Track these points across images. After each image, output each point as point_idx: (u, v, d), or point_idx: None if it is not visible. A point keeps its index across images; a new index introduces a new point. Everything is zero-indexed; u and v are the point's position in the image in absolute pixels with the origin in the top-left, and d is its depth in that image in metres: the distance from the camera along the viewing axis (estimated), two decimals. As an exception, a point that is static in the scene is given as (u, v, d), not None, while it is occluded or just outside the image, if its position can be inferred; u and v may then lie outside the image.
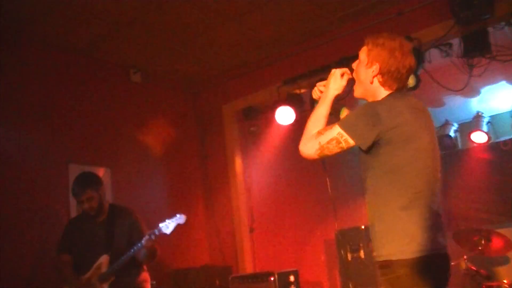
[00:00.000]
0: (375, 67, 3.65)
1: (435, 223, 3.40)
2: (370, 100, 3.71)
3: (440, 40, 6.95)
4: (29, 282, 6.49)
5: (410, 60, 3.63)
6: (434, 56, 7.08)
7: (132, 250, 5.51)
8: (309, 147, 3.61)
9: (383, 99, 3.59)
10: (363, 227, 9.29)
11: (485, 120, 9.05)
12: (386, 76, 3.62)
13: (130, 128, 8.26)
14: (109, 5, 6.78)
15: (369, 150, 3.47)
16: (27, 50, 7.27)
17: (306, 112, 8.08)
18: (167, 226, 5.56)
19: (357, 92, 3.84)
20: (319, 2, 7.22)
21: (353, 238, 9.01)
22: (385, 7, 7.35)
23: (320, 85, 4.03)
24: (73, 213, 7.08)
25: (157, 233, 5.50)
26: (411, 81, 6.78)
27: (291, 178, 9.82)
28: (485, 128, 9.00)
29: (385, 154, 3.43)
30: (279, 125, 8.40)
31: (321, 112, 3.77)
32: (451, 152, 9.33)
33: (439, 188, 3.54)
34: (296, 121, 8.11)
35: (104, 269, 5.59)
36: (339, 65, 7.22)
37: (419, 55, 6.94)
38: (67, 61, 7.71)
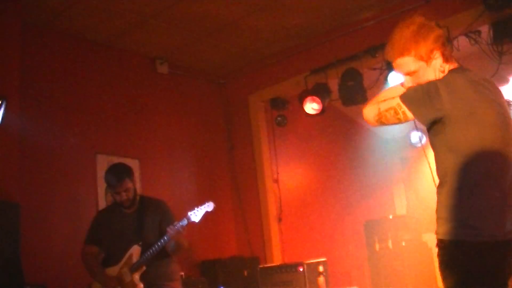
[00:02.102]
0: (435, 54, 3.44)
1: (501, 206, 3.21)
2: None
3: (469, 27, 6.87)
4: (58, 273, 6.52)
5: (434, 28, 3.48)
6: (462, 44, 7.00)
7: (162, 241, 5.51)
8: (369, 110, 3.54)
9: (444, 76, 3.41)
10: (391, 217, 9.27)
11: (514, 108, 8.95)
12: (446, 53, 3.46)
13: (158, 119, 8.27)
14: (136, -4, 6.80)
15: (431, 128, 3.36)
16: (55, 42, 7.32)
17: (334, 102, 8.06)
18: (195, 214, 5.59)
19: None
20: (346, -9, 7.18)
21: (381, 228, 9.00)
22: (412, -5, 7.28)
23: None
24: (101, 203, 7.15)
25: (186, 222, 5.51)
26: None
27: (319, 168, 9.82)
28: (514, 116, 8.90)
29: (447, 133, 3.27)
30: (306, 115, 8.36)
31: (393, 90, 3.63)
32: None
33: None
34: (323, 110, 8.08)
35: (135, 259, 5.59)
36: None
37: (447, 43, 6.88)
38: (94, 53, 7.75)
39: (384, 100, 3.48)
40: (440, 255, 3.30)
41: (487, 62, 6.86)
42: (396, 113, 3.38)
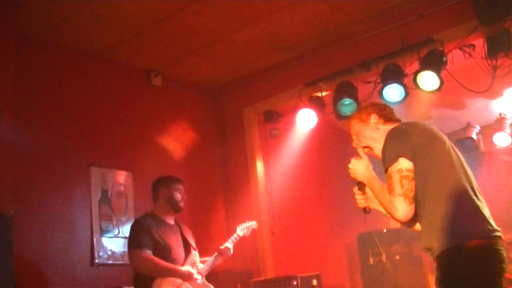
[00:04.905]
0: (373, 116, 4.02)
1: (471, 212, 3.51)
2: (379, 152, 3.89)
3: (463, 41, 6.89)
4: (52, 284, 6.50)
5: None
6: (456, 57, 7.03)
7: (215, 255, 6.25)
8: (401, 209, 3.56)
9: (393, 128, 3.83)
10: (385, 230, 9.25)
11: (508, 122, 8.98)
12: (383, 115, 4.04)
13: (151, 131, 8.26)
14: (130, 9, 6.82)
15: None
16: (49, 54, 7.32)
17: (328, 115, 8.06)
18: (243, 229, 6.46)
19: (378, 151, 3.92)
20: (340, 4, 7.20)
21: (375, 242, 8.96)
22: (406, 9, 7.30)
23: (358, 194, 4.10)
24: (95, 215, 7.15)
25: (237, 239, 6.40)
26: (434, 84, 6.77)
27: (312, 181, 9.80)
28: (508, 130, 8.93)
29: (419, 160, 3.58)
30: (300, 128, 8.37)
31: (377, 187, 3.80)
32: (473, 154, 9.27)
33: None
34: (317, 124, 8.08)
35: (200, 265, 6.13)
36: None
37: (441, 57, 6.91)
38: (88, 65, 7.74)
39: (391, 191, 3.60)
40: (440, 268, 3.47)
41: (481, 76, 6.89)
42: (405, 177, 3.57)
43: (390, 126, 3.91)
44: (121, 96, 8.04)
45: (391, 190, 3.57)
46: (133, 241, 5.91)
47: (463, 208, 3.48)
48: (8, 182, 6.00)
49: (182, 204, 6.21)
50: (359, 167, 3.94)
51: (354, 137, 4.13)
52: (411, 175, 3.54)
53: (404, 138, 3.63)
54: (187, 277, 5.90)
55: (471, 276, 3.34)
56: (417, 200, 3.56)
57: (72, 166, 7.20)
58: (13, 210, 5.78)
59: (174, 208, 6.20)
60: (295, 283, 7.13)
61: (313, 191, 9.81)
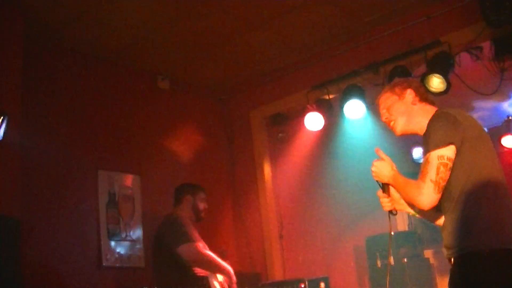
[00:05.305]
0: (409, 91, 3.92)
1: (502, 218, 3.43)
2: (416, 127, 3.88)
3: (471, 44, 6.87)
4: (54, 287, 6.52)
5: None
6: (464, 59, 7.01)
7: None
8: (426, 194, 3.47)
9: (443, 111, 3.69)
10: (392, 233, 9.24)
11: (516, 124, 8.97)
12: (420, 93, 3.94)
13: (159, 134, 8.26)
14: (137, 12, 6.81)
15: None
16: (56, 58, 7.31)
17: (335, 118, 8.04)
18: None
19: (400, 127, 3.96)
20: (347, 7, 7.18)
21: (383, 245, 8.95)
22: (414, 11, 7.27)
23: (383, 197, 4.08)
24: (102, 219, 7.15)
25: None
26: (442, 86, 6.74)
27: (320, 184, 9.78)
28: (515, 132, 8.92)
29: (466, 153, 3.50)
30: (308, 131, 8.36)
31: (402, 181, 3.77)
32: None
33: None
34: (325, 127, 8.07)
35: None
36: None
37: (449, 59, 6.89)
38: (96, 68, 7.74)
39: (423, 177, 3.51)
40: (464, 270, 3.39)
41: (488, 78, 6.87)
42: (445, 165, 3.47)
43: (426, 107, 3.87)
44: (128, 99, 8.04)
45: (423, 175, 3.48)
46: (183, 235, 5.93)
47: (504, 211, 3.42)
48: (16, 186, 6.01)
49: (203, 215, 6.29)
50: (383, 168, 3.89)
51: (384, 111, 4.07)
52: (450, 164, 3.46)
53: (457, 126, 3.51)
54: (227, 274, 6.05)
55: (497, 284, 3.27)
56: (451, 194, 3.48)
57: (80, 170, 7.20)
58: (20, 214, 5.79)
59: (197, 217, 6.36)
60: (303, 286, 7.12)
61: (321, 194, 9.79)
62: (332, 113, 8.04)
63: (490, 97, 7.40)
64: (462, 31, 6.93)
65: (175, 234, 5.99)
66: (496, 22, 6.35)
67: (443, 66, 6.85)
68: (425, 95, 3.98)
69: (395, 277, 8.43)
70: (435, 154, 3.45)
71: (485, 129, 3.70)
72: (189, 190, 6.37)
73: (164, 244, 6.00)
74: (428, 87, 6.89)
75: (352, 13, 7.33)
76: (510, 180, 9.07)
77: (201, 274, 5.93)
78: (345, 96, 7.66)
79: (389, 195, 3.99)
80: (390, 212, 4.07)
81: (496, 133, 9.19)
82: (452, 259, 3.48)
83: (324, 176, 9.85)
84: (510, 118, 8.96)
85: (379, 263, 8.88)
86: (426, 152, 3.54)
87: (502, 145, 9.08)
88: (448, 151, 3.44)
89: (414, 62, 7.20)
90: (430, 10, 7.15)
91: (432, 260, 9.46)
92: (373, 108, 7.48)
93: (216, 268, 6.00)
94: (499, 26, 6.43)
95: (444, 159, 3.43)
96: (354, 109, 7.58)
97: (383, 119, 4.07)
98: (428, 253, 9.53)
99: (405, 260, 8.68)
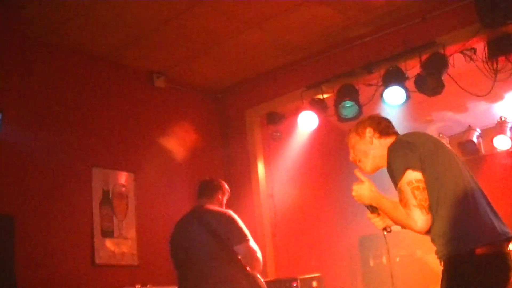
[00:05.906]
0: (368, 129, 4.04)
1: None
2: (383, 162, 3.94)
3: (465, 45, 6.89)
4: (53, 286, 6.52)
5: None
6: (458, 61, 7.03)
7: None
8: (418, 219, 3.55)
9: (395, 141, 3.89)
10: (385, 232, 9.27)
11: (509, 125, 8.99)
12: (379, 129, 4.04)
13: (154, 132, 8.27)
14: (133, 11, 6.83)
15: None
16: (53, 56, 7.33)
17: (329, 118, 8.06)
18: None
19: (368, 166, 4.08)
20: (343, 7, 7.20)
21: (376, 244, 8.98)
22: (409, 12, 7.30)
23: (373, 218, 4.14)
24: (96, 216, 7.16)
25: None
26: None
27: (314, 183, 9.80)
28: (508, 133, 8.94)
29: (428, 169, 3.60)
30: (302, 130, 8.37)
31: (388, 205, 3.82)
32: (473, 157, 9.28)
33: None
34: (319, 126, 8.09)
35: None
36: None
37: (443, 60, 6.92)
38: (92, 67, 7.76)
39: (405, 204, 3.61)
40: (448, 273, 3.52)
41: (482, 79, 6.90)
42: (417, 188, 3.57)
43: (386, 140, 3.97)
44: (124, 97, 8.05)
45: (405, 204, 3.57)
46: (247, 232, 5.89)
47: (473, 213, 3.51)
48: (10, 183, 6.02)
49: None
50: (363, 191, 3.92)
51: (351, 150, 4.18)
52: (422, 185, 3.54)
53: (410, 150, 3.65)
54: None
55: (478, 283, 3.37)
56: (432, 208, 3.55)
57: (74, 167, 7.21)
58: (15, 211, 5.80)
59: None
60: (295, 284, 7.12)
61: (314, 193, 9.81)
62: (327, 112, 8.06)
63: (483, 98, 7.42)
64: (456, 32, 6.96)
65: (237, 231, 5.85)
66: (491, 23, 6.38)
67: (437, 67, 6.88)
68: (385, 130, 4.07)
69: (388, 277, 8.46)
70: (403, 182, 3.58)
71: (441, 140, 3.91)
72: (224, 189, 6.27)
73: (222, 240, 5.87)
74: (421, 88, 6.96)
75: (348, 13, 7.35)
76: (505, 180, 9.11)
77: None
78: (339, 95, 7.69)
79: (378, 213, 4.03)
80: (384, 229, 4.12)
81: (489, 134, 9.22)
82: (441, 263, 3.60)
83: (318, 175, 9.88)
84: (503, 119, 8.99)
85: (371, 262, 8.91)
86: (396, 183, 3.66)
87: (494, 146, 9.11)
88: (413, 175, 3.56)
89: (409, 63, 7.22)
90: (426, 11, 7.17)
91: (424, 260, 9.48)
92: (367, 107, 7.53)
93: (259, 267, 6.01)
94: (494, 27, 6.46)
95: (413, 183, 3.55)
96: (349, 109, 7.60)
97: (350, 158, 4.19)
98: (420, 253, 9.55)
99: (398, 259, 8.70)
